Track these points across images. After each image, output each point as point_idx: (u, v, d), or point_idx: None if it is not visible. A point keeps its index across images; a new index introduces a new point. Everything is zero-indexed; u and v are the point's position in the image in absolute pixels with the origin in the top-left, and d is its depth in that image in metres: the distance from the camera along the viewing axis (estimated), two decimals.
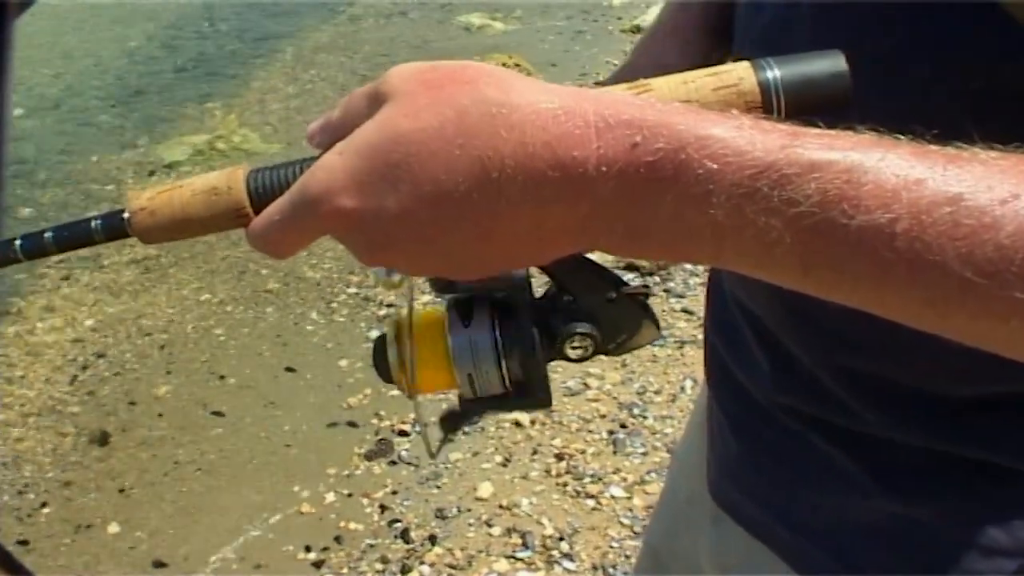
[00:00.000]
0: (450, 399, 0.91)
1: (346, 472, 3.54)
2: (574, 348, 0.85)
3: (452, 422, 0.97)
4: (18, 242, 0.79)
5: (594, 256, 0.77)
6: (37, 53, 8.23)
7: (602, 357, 0.89)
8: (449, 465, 3.53)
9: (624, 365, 3.99)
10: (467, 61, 0.68)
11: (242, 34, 8.60)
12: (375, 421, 3.78)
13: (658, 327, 0.87)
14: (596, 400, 3.83)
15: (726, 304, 1.26)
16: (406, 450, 3.61)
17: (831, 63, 0.71)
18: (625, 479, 3.43)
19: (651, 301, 0.88)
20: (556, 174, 0.61)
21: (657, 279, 4.51)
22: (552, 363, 0.88)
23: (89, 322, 4.55)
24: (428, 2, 9.28)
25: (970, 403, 0.99)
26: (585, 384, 3.90)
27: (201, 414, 3.91)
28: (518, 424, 3.69)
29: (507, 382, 0.86)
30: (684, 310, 4.29)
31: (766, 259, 0.61)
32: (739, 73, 0.70)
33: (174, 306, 4.64)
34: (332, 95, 6.95)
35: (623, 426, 3.68)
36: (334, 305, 4.53)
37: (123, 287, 4.82)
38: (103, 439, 3.78)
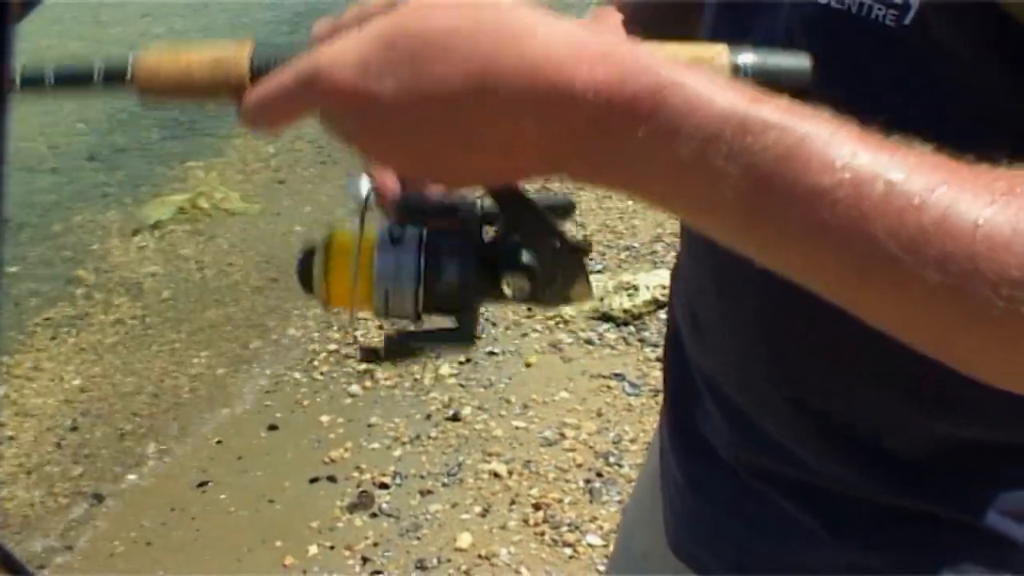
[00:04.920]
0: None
1: (328, 525, 3.58)
2: (509, 285, 0.85)
3: (386, 353, 0.91)
4: (18, 71, 0.80)
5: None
6: (21, 111, 8.28)
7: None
8: (429, 516, 3.58)
9: (600, 415, 4.05)
10: None
11: None
12: (356, 474, 3.82)
13: (591, 288, 0.87)
14: (572, 449, 3.88)
15: (684, 363, 1.29)
16: (386, 502, 3.66)
17: (798, 61, 0.79)
18: (602, 527, 3.48)
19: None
20: (547, 90, 0.65)
21: (632, 328, 4.56)
22: (487, 302, 0.88)
23: (76, 382, 4.59)
24: None
25: (920, 457, 1.03)
26: (561, 434, 3.95)
27: (186, 472, 3.95)
28: (496, 475, 3.74)
29: (419, 306, 0.86)
30: (659, 359, 4.33)
31: (715, 205, 0.65)
32: (717, 50, 0.77)
33: (159, 364, 4.69)
34: (311, 155, 7.03)
35: (599, 475, 3.73)
36: (315, 363, 4.57)
37: (109, 347, 4.86)
38: (98, 498, 3.84)
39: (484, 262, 0.86)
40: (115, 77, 0.80)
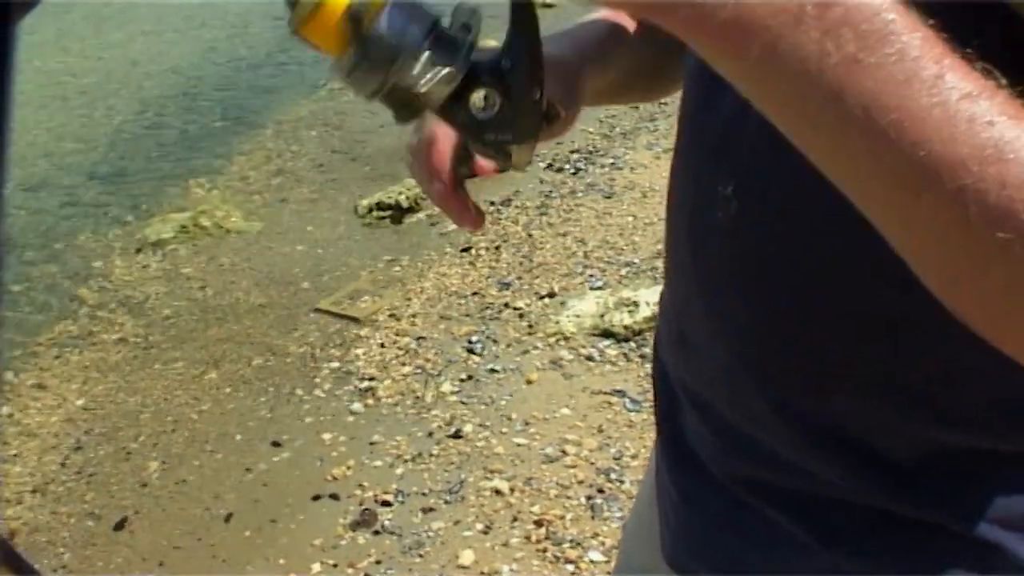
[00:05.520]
0: None
1: (331, 543, 3.59)
2: (478, 98, 0.83)
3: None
4: None
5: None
6: (24, 128, 8.29)
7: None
8: (431, 534, 3.59)
9: (601, 431, 4.05)
10: None
11: (224, 111, 8.67)
12: (358, 492, 3.83)
13: (531, 159, 0.87)
14: (574, 466, 3.88)
15: (668, 380, 1.32)
16: (389, 520, 3.67)
17: None
18: (603, 543, 3.49)
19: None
20: None
21: (633, 345, 4.57)
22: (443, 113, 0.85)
23: (80, 401, 4.61)
24: None
25: (910, 463, 1.04)
26: (563, 451, 3.96)
27: (188, 490, 3.97)
28: (498, 492, 3.75)
29: (387, 81, 0.81)
30: None
31: (816, 67, 0.64)
32: None
33: (162, 383, 4.70)
34: (313, 173, 7.06)
35: (601, 491, 3.73)
36: (317, 380, 4.58)
37: (112, 366, 4.88)
38: (102, 516, 3.85)
39: (468, 70, 0.83)
40: None
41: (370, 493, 3.82)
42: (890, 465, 1.06)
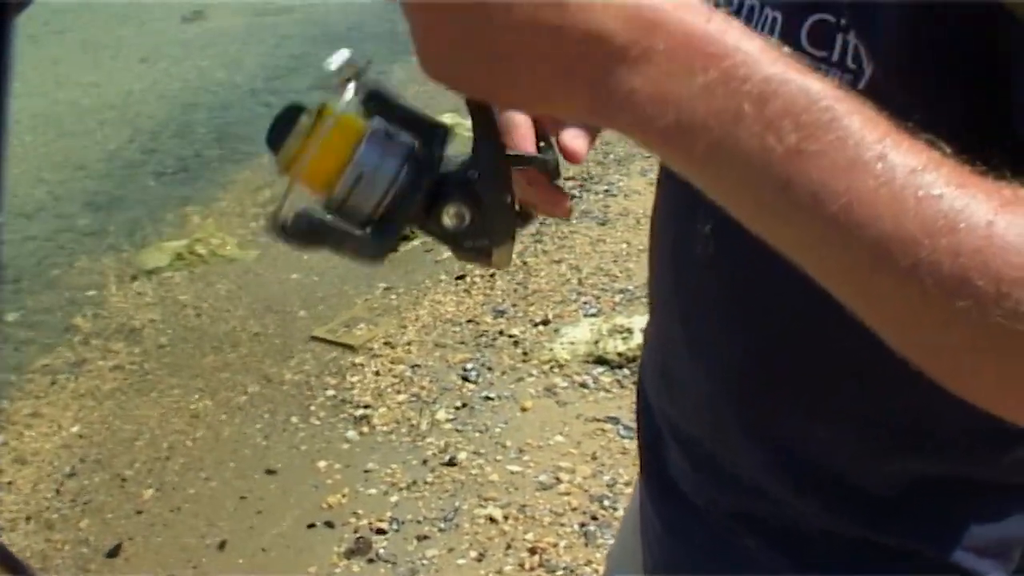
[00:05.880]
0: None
1: (326, 571, 3.59)
2: (448, 215, 0.84)
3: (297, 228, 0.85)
4: None
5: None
6: (19, 156, 8.30)
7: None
8: (426, 561, 3.59)
9: (595, 458, 4.06)
10: None
11: (220, 138, 8.69)
12: (353, 520, 3.83)
13: (511, 257, 0.87)
14: (568, 493, 3.88)
15: (651, 414, 1.35)
16: (384, 548, 3.67)
17: None
18: (597, 571, 3.48)
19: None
20: (633, 12, 0.66)
21: (627, 372, 4.57)
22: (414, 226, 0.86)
23: (75, 428, 4.61)
24: None
25: (891, 492, 1.06)
26: (557, 478, 3.96)
27: (183, 517, 3.97)
28: (492, 520, 3.75)
29: (378, 209, 0.84)
30: None
31: (759, 159, 0.66)
32: None
33: (157, 411, 4.70)
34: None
35: (594, 518, 3.74)
36: (312, 407, 4.59)
37: (107, 393, 4.89)
38: (97, 544, 3.85)
39: (435, 187, 0.84)
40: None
41: (365, 521, 3.82)
42: (869, 496, 1.08)
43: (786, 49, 0.68)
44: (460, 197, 0.84)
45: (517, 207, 0.87)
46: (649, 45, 0.66)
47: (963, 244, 0.63)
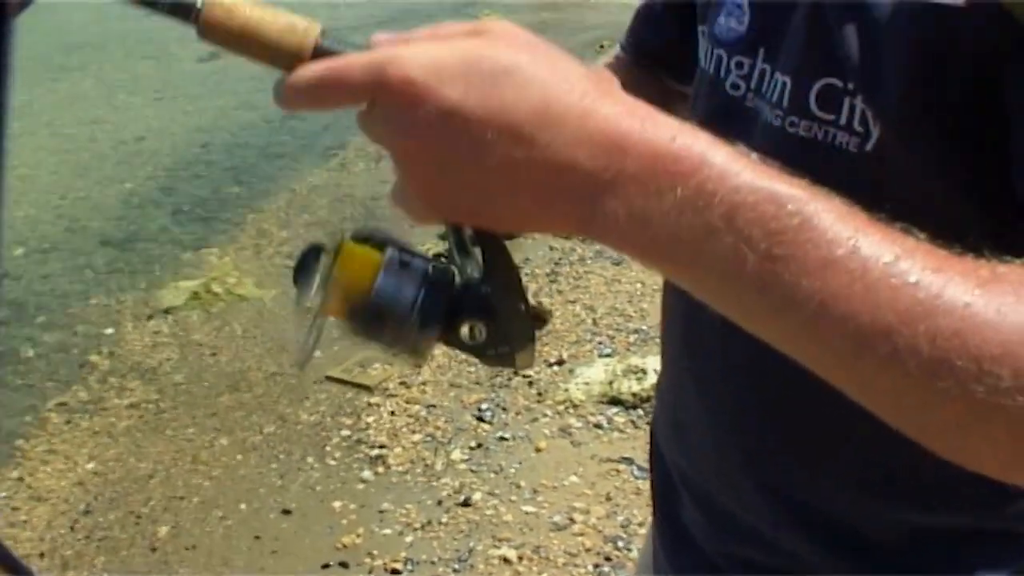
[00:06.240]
0: None
1: None
2: (466, 331, 0.87)
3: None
4: None
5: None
6: (37, 192, 8.35)
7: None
8: None
9: (609, 499, 4.07)
10: None
11: (237, 177, 8.71)
12: (368, 560, 3.83)
13: (534, 357, 0.90)
14: (582, 534, 3.89)
15: (664, 462, 1.37)
16: None
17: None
18: None
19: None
20: (601, 138, 0.70)
21: (641, 412, 4.58)
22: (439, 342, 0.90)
23: (90, 466, 4.61)
24: None
25: (892, 542, 1.09)
26: (571, 519, 3.97)
27: (198, 556, 3.97)
28: (506, 560, 3.76)
29: (395, 335, 0.87)
30: None
31: (734, 268, 0.68)
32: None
33: (173, 449, 4.71)
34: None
35: (608, 559, 3.75)
36: (327, 447, 4.59)
37: (123, 431, 4.89)
38: None
39: (453, 305, 0.88)
40: (183, 9, 0.81)
41: (380, 561, 3.83)
42: (874, 545, 1.11)
43: (753, 155, 0.71)
44: (476, 313, 0.87)
45: (532, 310, 0.90)
46: (619, 169, 0.70)
47: (940, 328, 0.65)
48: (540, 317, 0.91)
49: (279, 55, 0.80)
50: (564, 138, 0.70)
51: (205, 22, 0.80)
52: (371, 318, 0.87)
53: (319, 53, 0.79)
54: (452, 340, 0.89)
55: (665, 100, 1.42)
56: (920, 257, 0.67)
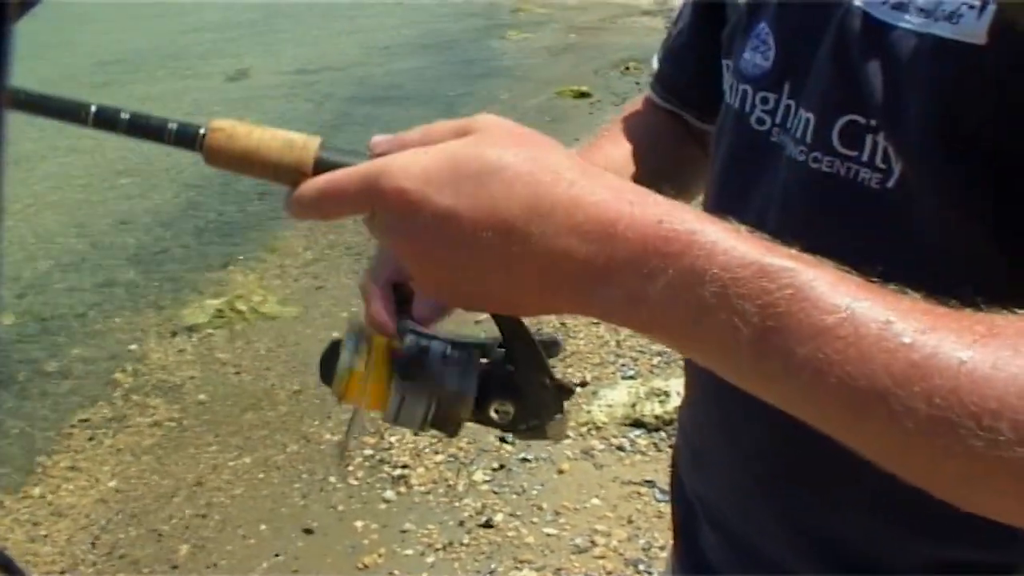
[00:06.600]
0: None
1: None
2: (495, 411, 0.91)
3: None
4: (93, 108, 0.87)
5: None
6: (63, 206, 8.42)
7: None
8: None
9: (630, 522, 4.06)
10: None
11: (262, 195, 8.74)
12: None
13: (565, 428, 0.93)
14: (603, 557, 3.88)
15: (684, 490, 1.38)
16: None
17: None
18: None
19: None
20: (590, 228, 0.73)
21: (663, 435, 4.58)
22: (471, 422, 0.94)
23: (112, 483, 4.63)
24: None
25: (914, 572, 1.09)
26: (592, 541, 3.96)
27: (220, 575, 3.98)
28: None
29: (428, 417, 0.91)
30: None
31: (731, 343, 0.70)
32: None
33: (195, 467, 4.72)
34: (350, 262, 7.08)
35: None
36: (351, 468, 4.58)
37: (146, 449, 4.90)
38: None
39: (480, 385, 0.91)
40: (186, 140, 0.86)
41: None
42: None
43: (743, 229, 0.73)
44: (502, 392, 0.91)
45: (556, 381, 0.92)
46: (610, 255, 0.73)
47: (936, 387, 0.66)
48: (566, 389, 0.93)
49: (282, 172, 0.84)
50: (555, 229, 0.73)
51: (208, 149, 0.84)
52: (396, 406, 0.91)
53: (320, 166, 0.83)
54: (483, 419, 0.93)
55: (681, 149, 1.45)
56: (914, 318, 0.68)
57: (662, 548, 3.88)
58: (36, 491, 4.59)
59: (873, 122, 0.96)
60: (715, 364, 0.75)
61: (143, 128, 0.87)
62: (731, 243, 0.71)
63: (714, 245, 0.70)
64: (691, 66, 1.45)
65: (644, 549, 3.90)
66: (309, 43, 16.19)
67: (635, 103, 1.57)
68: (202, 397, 5.37)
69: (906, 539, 1.07)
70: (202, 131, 0.85)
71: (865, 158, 0.97)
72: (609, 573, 3.80)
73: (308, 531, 4.18)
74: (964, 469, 0.68)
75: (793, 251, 0.71)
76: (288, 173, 0.84)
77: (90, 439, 5.02)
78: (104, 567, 4.07)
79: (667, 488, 1.50)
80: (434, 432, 0.94)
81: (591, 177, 0.75)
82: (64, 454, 4.90)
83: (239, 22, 17.28)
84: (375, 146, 0.82)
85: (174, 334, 6.11)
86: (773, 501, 1.17)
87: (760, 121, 1.14)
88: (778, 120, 1.11)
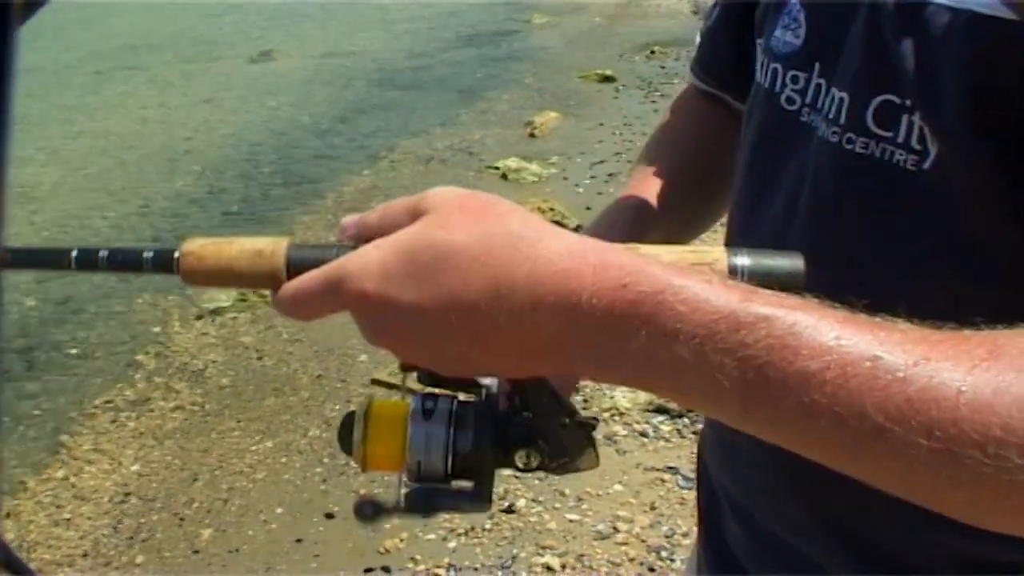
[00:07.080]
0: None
1: None
2: (521, 458, 0.91)
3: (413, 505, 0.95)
4: (74, 253, 0.89)
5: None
6: (87, 189, 8.43)
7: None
8: None
9: (653, 508, 4.05)
10: (499, 197, 0.80)
11: (286, 178, 8.75)
12: (411, 565, 3.83)
13: (598, 457, 0.92)
14: (625, 543, 3.87)
15: (710, 480, 1.37)
16: None
17: (792, 263, 0.83)
18: None
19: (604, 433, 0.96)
20: (554, 300, 0.72)
21: (687, 421, 4.57)
22: (501, 470, 0.93)
23: (135, 467, 4.65)
24: (464, 148, 9.40)
25: (939, 573, 1.08)
26: (615, 527, 3.95)
27: (240, 559, 3.99)
28: (549, 568, 3.75)
29: (448, 472, 0.91)
30: None
31: (715, 395, 0.69)
32: (715, 255, 0.82)
33: (217, 451, 4.73)
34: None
35: (651, 569, 3.73)
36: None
37: (168, 432, 4.92)
38: None
39: (500, 434, 0.91)
40: (162, 266, 0.88)
41: (423, 566, 3.82)
42: (919, 573, 1.08)
43: (715, 279, 0.72)
44: (524, 440, 0.91)
45: (577, 419, 0.92)
46: (579, 326, 0.72)
47: (935, 420, 0.64)
48: (587, 424, 0.93)
49: (258, 282, 0.86)
50: (519, 307, 0.73)
51: (183, 273, 0.87)
52: (417, 463, 0.91)
53: (292, 267, 0.85)
54: (510, 466, 0.92)
55: (722, 133, 1.42)
56: (905, 349, 0.66)
57: (685, 535, 3.87)
58: (59, 473, 4.61)
59: (908, 102, 0.94)
60: (705, 412, 0.76)
61: (121, 263, 0.90)
62: (704, 296, 0.69)
63: (685, 302, 0.69)
64: (726, 47, 1.43)
65: (667, 536, 3.89)
66: (333, 27, 16.20)
67: (686, 93, 1.55)
68: (224, 382, 5.39)
69: (934, 535, 1.05)
70: (176, 255, 0.87)
71: (900, 139, 0.95)
72: (632, 559, 3.78)
73: (329, 515, 4.18)
74: (976, 496, 0.66)
75: (771, 295, 0.70)
76: (263, 282, 0.86)
77: (113, 421, 5.05)
78: (127, 550, 4.08)
79: (690, 475, 1.49)
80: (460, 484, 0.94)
81: (548, 242, 0.74)
82: (87, 435, 4.93)
83: (264, 6, 17.29)
84: (345, 228, 0.84)
85: (198, 318, 6.13)
86: (798, 493, 1.15)
87: (790, 100, 1.12)
88: (808, 100, 1.09)
